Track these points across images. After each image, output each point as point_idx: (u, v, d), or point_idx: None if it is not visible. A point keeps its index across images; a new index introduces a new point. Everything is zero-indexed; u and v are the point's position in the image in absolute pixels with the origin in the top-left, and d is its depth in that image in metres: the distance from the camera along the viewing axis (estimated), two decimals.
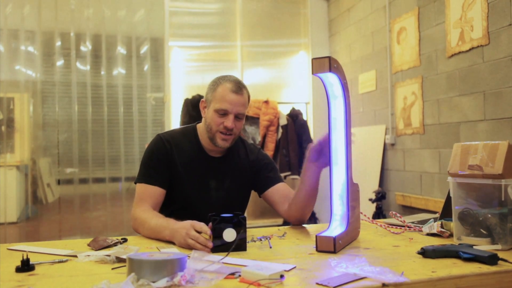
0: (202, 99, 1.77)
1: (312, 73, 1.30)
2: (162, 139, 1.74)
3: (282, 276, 0.98)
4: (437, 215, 1.66)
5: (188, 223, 1.35)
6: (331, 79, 1.34)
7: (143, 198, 1.67)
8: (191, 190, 1.73)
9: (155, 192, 1.68)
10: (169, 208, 1.74)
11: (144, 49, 4.45)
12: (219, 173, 1.77)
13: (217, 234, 1.28)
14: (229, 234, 1.28)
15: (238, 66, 4.77)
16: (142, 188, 1.68)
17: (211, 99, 1.69)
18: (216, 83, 1.70)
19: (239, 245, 1.30)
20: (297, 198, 1.66)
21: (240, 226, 1.30)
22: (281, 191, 1.78)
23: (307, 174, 1.59)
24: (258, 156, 1.85)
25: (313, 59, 1.29)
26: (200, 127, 1.79)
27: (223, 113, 1.65)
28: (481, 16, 2.78)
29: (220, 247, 1.27)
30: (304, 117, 4.77)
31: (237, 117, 1.67)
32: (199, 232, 1.31)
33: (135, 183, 1.72)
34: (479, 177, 1.33)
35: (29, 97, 4.14)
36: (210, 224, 1.31)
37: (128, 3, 4.40)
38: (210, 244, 1.27)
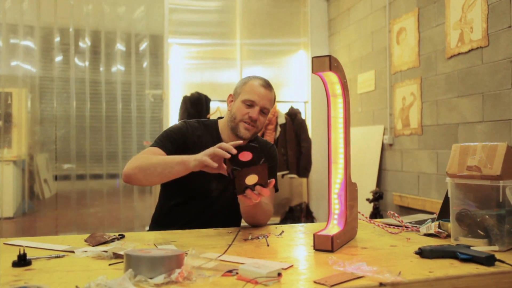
0: (230, 94, 1.81)
1: (312, 72, 1.30)
2: (186, 124, 1.77)
3: (279, 274, 0.98)
4: (435, 216, 1.66)
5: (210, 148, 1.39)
6: (331, 78, 1.34)
7: (147, 152, 1.62)
8: (204, 181, 1.71)
9: (162, 154, 1.62)
10: (172, 200, 1.73)
11: (143, 46, 4.44)
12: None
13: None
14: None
15: (237, 65, 4.77)
16: (150, 149, 1.65)
17: (239, 91, 1.75)
18: (247, 79, 1.77)
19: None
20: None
21: (258, 152, 1.34)
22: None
23: None
24: (268, 153, 1.86)
25: (313, 58, 1.29)
26: (221, 122, 1.82)
27: (250, 104, 1.70)
28: (481, 18, 2.78)
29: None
30: (303, 116, 4.76)
31: (262, 111, 1.72)
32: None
33: None
34: (477, 178, 1.33)
35: (27, 92, 4.13)
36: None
37: (127, 0, 4.40)
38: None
